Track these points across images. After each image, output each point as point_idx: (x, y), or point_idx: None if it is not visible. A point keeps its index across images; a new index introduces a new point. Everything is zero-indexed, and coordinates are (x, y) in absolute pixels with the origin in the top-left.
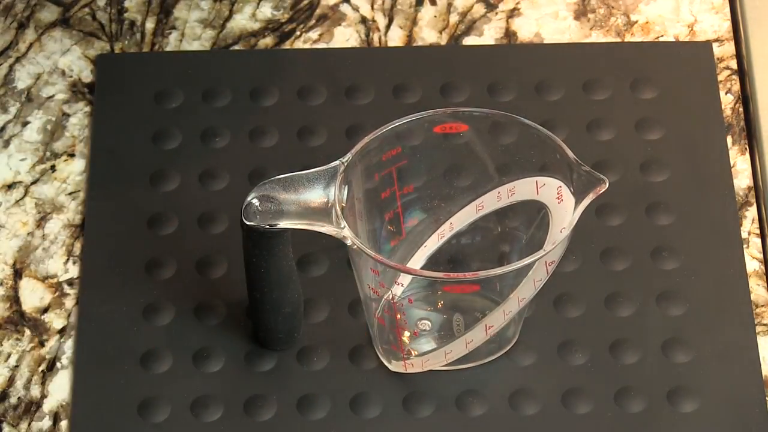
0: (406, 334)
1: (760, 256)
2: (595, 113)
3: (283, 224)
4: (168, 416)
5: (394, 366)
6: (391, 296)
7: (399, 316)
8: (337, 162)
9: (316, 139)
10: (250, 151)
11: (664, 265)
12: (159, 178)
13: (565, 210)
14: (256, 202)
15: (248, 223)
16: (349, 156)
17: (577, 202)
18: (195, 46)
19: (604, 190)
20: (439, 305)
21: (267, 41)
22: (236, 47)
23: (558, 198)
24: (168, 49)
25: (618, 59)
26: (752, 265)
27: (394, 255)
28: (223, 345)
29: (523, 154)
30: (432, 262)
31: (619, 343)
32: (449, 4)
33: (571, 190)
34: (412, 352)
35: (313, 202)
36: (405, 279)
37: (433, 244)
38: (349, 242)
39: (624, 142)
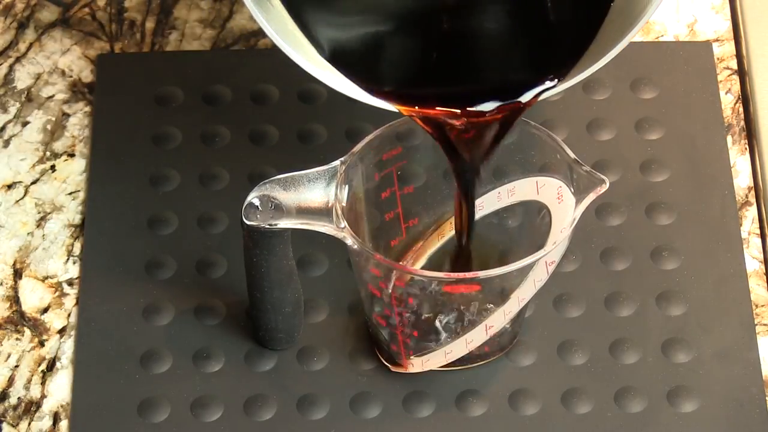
0: (406, 333)
1: (760, 256)
2: (595, 113)
3: (284, 224)
4: (168, 416)
5: (394, 366)
6: (391, 296)
7: (399, 316)
8: (337, 162)
9: (316, 139)
10: (250, 151)
11: (664, 265)
12: (159, 178)
13: (565, 210)
14: (256, 201)
15: (249, 222)
16: (349, 156)
17: (578, 202)
18: (195, 46)
19: (604, 190)
20: (441, 307)
21: (267, 41)
22: (236, 47)
23: (558, 198)
24: (168, 48)
25: (618, 59)
26: (752, 265)
27: (394, 255)
28: (223, 345)
29: (524, 154)
30: (432, 262)
31: (619, 343)
32: None
33: (571, 190)
34: (412, 353)
35: (313, 201)
36: (405, 279)
37: (433, 244)
38: (349, 242)
39: (624, 142)
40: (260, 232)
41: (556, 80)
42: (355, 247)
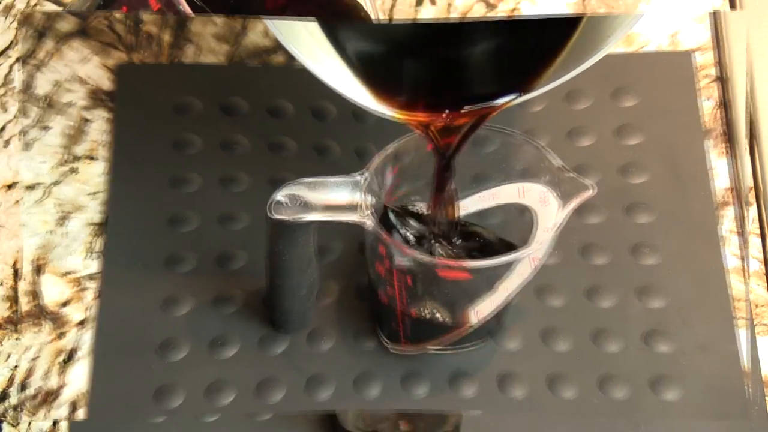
0: (405, 313)
1: (739, 253)
2: (577, 121)
3: (310, 217)
4: (183, 401)
5: (393, 347)
6: (393, 275)
7: (399, 294)
8: (357, 176)
9: (331, 153)
10: (269, 158)
11: (644, 260)
12: (180, 181)
13: (549, 212)
14: (284, 198)
15: (275, 216)
16: (368, 170)
17: (562, 206)
18: (210, 59)
19: (589, 195)
20: (435, 291)
21: (280, 58)
22: (250, 62)
23: (542, 202)
24: (185, 61)
25: (600, 70)
26: (731, 261)
27: None
28: (238, 331)
29: (508, 162)
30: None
31: (601, 332)
32: (449, 4)
33: (555, 195)
34: (410, 331)
35: (340, 202)
36: (406, 260)
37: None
38: (368, 223)
39: (604, 147)
40: (285, 225)
41: (520, 93)
42: (371, 228)
